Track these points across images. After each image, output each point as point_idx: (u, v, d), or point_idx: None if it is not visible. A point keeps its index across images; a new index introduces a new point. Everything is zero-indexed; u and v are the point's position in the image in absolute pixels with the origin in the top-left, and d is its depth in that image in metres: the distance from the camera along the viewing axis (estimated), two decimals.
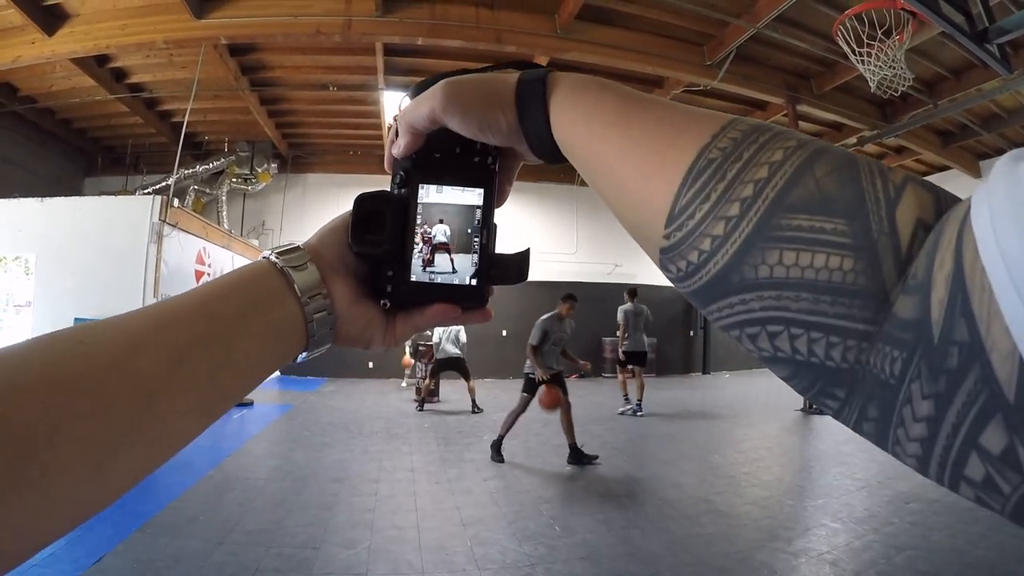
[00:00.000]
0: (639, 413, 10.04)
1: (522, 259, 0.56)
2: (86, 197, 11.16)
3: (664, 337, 17.83)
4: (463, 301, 0.55)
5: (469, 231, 0.56)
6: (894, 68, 7.08)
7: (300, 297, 0.49)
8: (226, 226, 13.65)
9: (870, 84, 7.48)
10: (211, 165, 14.23)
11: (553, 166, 0.54)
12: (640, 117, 0.44)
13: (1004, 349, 0.24)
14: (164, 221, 9.06)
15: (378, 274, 0.55)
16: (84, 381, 0.36)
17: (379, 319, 0.55)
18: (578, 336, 15.47)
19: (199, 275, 10.51)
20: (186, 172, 13.60)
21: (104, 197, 10.31)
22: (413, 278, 0.55)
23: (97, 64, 10.34)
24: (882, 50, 6.92)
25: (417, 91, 0.55)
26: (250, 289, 0.48)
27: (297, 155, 15.72)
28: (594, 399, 12.39)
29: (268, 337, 0.47)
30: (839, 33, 7.08)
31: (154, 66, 10.67)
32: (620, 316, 10.44)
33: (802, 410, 10.64)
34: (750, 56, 10.19)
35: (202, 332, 0.43)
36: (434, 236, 0.55)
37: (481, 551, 4.11)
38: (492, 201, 0.56)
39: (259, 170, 14.55)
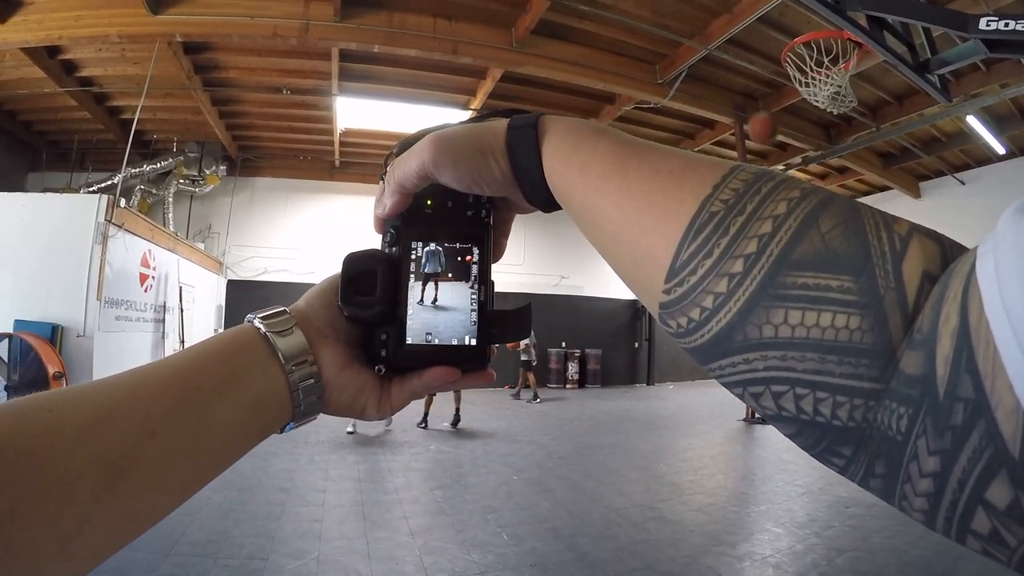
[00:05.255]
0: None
1: (522, 315, 0.54)
2: (29, 193, 10.71)
3: (609, 348, 18.15)
4: (463, 363, 0.52)
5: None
6: (840, 93, 7.37)
7: (284, 365, 0.47)
8: (172, 228, 13.30)
9: (820, 103, 7.73)
10: (159, 165, 13.81)
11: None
12: (637, 166, 0.42)
13: (1008, 406, 0.24)
14: (110, 221, 8.79)
15: (371, 338, 0.52)
16: (50, 452, 0.34)
17: (372, 385, 0.52)
18: None
19: (143, 278, 10.24)
20: (133, 171, 13.21)
21: (48, 194, 9.98)
22: (409, 340, 0.52)
23: (48, 55, 10.00)
24: (828, 76, 7.19)
25: (403, 148, 0.53)
26: (230, 357, 0.45)
27: (246, 158, 15.40)
28: (540, 408, 12.48)
29: (248, 409, 0.45)
30: (788, 59, 7.33)
31: (106, 60, 10.37)
32: None
33: (745, 420, 10.91)
34: (701, 76, 10.46)
35: (176, 403, 0.41)
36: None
37: (430, 560, 4.12)
38: (488, 256, 0.54)
39: (207, 172, 14.19)
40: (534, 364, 13.96)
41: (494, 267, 0.54)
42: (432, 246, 0.53)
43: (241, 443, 0.45)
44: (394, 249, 0.53)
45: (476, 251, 0.53)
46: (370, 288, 0.51)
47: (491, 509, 5.34)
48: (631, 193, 0.41)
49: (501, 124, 0.50)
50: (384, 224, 0.54)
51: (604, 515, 5.23)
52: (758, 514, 5.34)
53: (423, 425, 9.45)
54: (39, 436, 0.34)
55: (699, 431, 10.10)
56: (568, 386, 17.27)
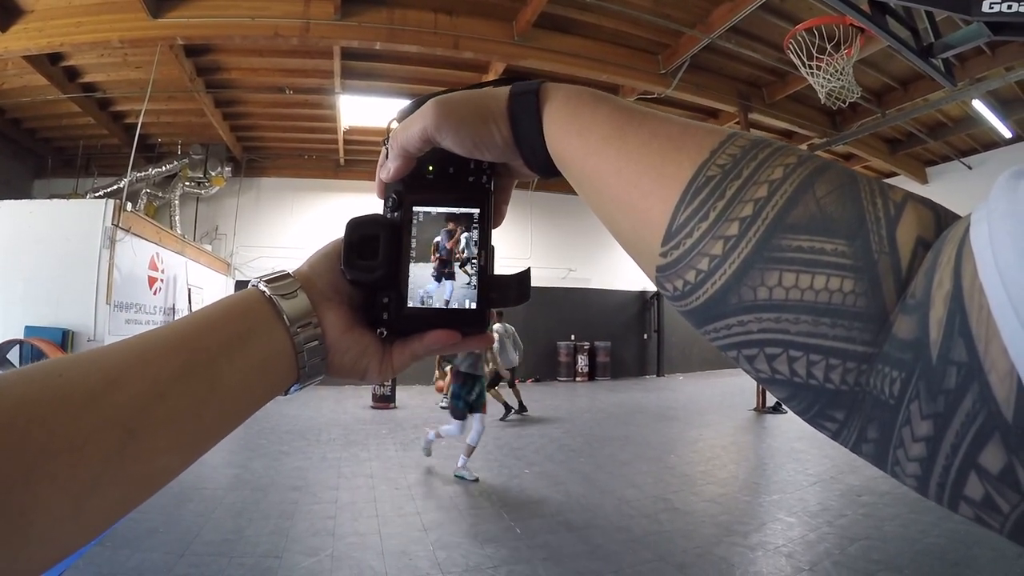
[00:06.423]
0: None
1: (522, 279, 0.54)
2: (36, 200, 10.78)
3: (619, 340, 18.13)
4: (463, 326, 0.52)
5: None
6: (842, 80, 7.32)
7: (289, 327, 0.47)
8: (179, 231, 13.36)
9: (820, 96, 7.72)
10: (164, 168, 13.88)
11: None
12: (636, 131, 0.43)
13: (1002, 369, 0.24)
14: (117, 226, 8.85)
15: (373, 301, 0.52)
16: (60, 417, 0.35)
17: (374, 348, 0.53)
18: (533, 340, 15.46)
19: (152, 281, 10.31)
20: (138, 175, 13.25)
21: (55, 200, 10.03)
22: (410, 304, 0.52)
23: (50, 62, 10.07)
24: (831, 63, 7.14)
25: (405, 113, 0.53)
26: (236, 320, 0.46)
27: (251, 159, 15.47)
28: (550, 402, 12.49)
29: (254, 370, 0.45)
30: (790, 46, 7.29)
31: (108, 65, 10.42)
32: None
33: (755, 410, 10.89)
34: (703, 65, 10.44)
35: (184, 366, 0.41)
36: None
37: (444, 555, 4.13)
38: (488, 221, 0.54)
39: (213, 174, 14.24)
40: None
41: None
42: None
43: (248, 404, 0.46)
44: (396, 214, 0.54)
45: (476, 216, 0.54)
46: (372, 252, 0.52)
47: (503, 503, 5.35)
48: (630, 158, 0.42)
49: (503, 90, 0.51)
50: (386, 189, 0.55)
51: (616, 507, 5.24)
52: (770, 504, 5.34)
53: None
54: (49, 402, 0.35)
55: (710, 422, 10.10)
56: (578, 379, 17.26)
